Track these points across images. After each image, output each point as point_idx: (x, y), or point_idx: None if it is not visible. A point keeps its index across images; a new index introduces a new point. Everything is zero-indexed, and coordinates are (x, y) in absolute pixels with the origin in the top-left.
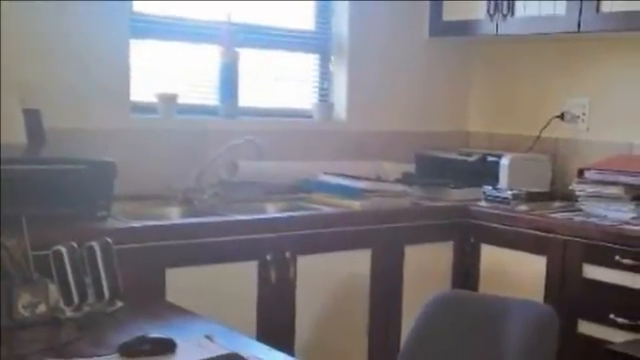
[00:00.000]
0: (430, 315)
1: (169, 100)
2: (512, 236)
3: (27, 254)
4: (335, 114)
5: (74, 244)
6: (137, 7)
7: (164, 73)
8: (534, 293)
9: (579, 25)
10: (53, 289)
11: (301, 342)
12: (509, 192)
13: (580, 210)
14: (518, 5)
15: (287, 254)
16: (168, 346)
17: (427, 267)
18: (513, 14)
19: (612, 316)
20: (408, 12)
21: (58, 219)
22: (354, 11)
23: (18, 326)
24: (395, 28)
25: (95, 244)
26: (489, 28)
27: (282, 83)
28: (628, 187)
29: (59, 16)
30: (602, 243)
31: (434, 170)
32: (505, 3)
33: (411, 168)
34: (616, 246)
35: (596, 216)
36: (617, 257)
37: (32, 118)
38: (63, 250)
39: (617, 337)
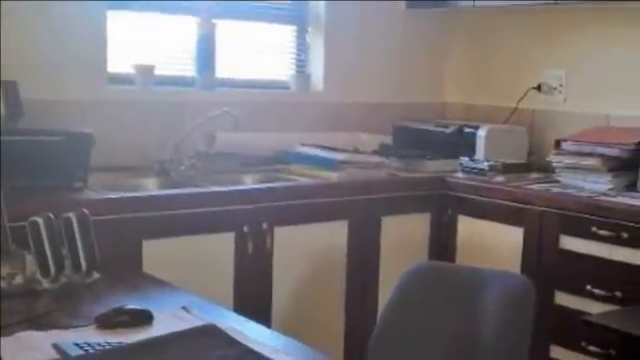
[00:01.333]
0: (407, 286)
1: (146, 71)
2: (489, 207)
3: (4, 225)
4: (312, 85)
5: (51, 215)
6: None
7: (141, 44)
8: (511, 264)
9: None
10: (30, 260)
11: (278, 313)
12: (486, 163)
13: (557, 181)
14: None
15: (264, 225)
16: (145, 317)
17: (404, 238)
18: None
19: (589, 287)
20: None
21: (35, 190)
22: None
23: None
24: None
25: (72, 215)
26: None
27: (259, 55)
28: (605, 158)
29: None
30: (579, 214)
31: (411, 141)
32: None
33: (388, 139)
34: (593, 217)
35: (573, 187)
36: (594, 228)
37: (9, 90)
38: (40, 221)
39: (593, 308)
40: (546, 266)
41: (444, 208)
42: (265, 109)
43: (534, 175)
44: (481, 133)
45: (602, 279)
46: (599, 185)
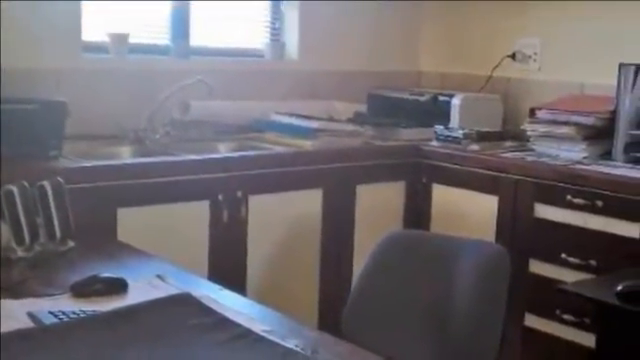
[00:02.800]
0: (381, 255)
1: (120, 40)
2: (464, 176)
3: None
4: (287, 54)
5: (25, 184)
6: None
7: (115, 12)
8: (485, 233)
9: None
10: (4, 229)
11: (252, 281)
12: (460, 132)
13: (532, 150)
14: None
15: (239, 194)
16: (120, 286)
17: (379, 207)
18: None
19: (563, 256)
20: None
21: (9, 158)
22: None
23: None
24: None
25: (46, 183)
26: None
27: (234, 23)
28: (580, 127)
29: None
30: (554, 183)
31: (386, 110)
32: None
33: (363, 108)
34: (568, 186)
35: (548, 156)
36: (569, 197)
37: None
38: (14, 190)
39: (568, 277)
40: (521, 234)
41: (418, 176)
42: (239, 77)
43: (509, 143)
44: (456, 101)
45: (577, 247)
46: (574, 153)
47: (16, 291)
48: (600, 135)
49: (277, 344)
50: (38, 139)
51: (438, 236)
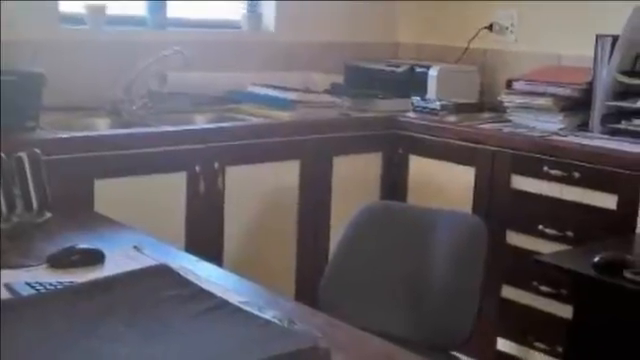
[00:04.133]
0: (358, 226)
1: (98, 11)
2: (440, 147)
3: None
4: (264, 25)
5: (2, 155)
6: None
7: None
8: (462, 204)
9: None
10: None
11: (230, 253)
12: (437, 103)
13: (509, 121)
14: None
15: (216, 165)
16: (97, 257)
17: (355, 178)
18: None
19: (540, 227)
20: None
21: None
22: None
23: None
24: None
25: (23, 155)
26: None
27: None
28: (557, 98)
29: None
30: (530, 154)
31: (363, 81)
32: None
33: (340, 79)
34: (545, 157)
35: (525, 127)
36: (545, 168)
37: None
38: None
39: (545, 248)
40: (498, 206)
41: (395, 148)
42: (217, 49)
43: (486, 115)
44: (433, 73)
45: (554, 219)
46: (551, 125)
47: None
48: (577, 106)
49: (254, 315)
50: (15, 110)
51: (415, 207)
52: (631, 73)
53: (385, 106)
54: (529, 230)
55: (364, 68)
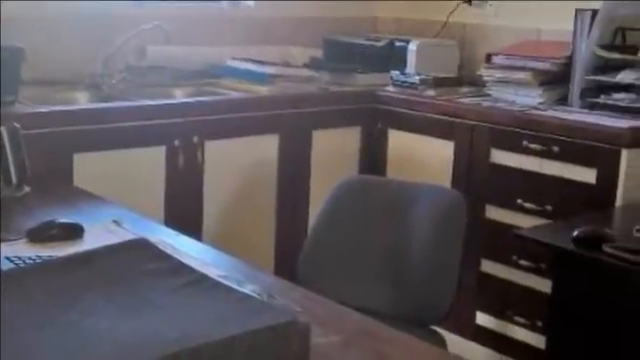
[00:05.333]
0: (337, 200)
1: None
2: (420, 121)
3: None
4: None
5: None
6: None
7: None
8: (442, 178)
9: None
10: None
11: (209, 226)
12: (417, 77)
13: (488, 95)
14: None
15: (195, 139)
16: (76, 231)
17: (334, 152)
18: None
19: (519, 201)
20: None
21: None
22: None
23: None
24: None
25: (2, 129)
26: None
27: None
28: (536, 72)
29: None
30: (510, 128)
31: (342, 55)
32: None
33: (319, 53)
34: (524, 131)
35: (504, 101)
36: (525, 142)
37: None
38: None
39: (524, 222)
40: (477, 180)
41: (374, 122)
42: (196, 23)
43: (465, 89)
44: (412, 47)
45: (533, 193)
46: (530, 99)
47: None
48: (556, 80)
49: (233, 289)
50: None
51: (394, 181)
52: (610, 47)
53: (364, 80)
54: (508, 204)
55: (343, 42)
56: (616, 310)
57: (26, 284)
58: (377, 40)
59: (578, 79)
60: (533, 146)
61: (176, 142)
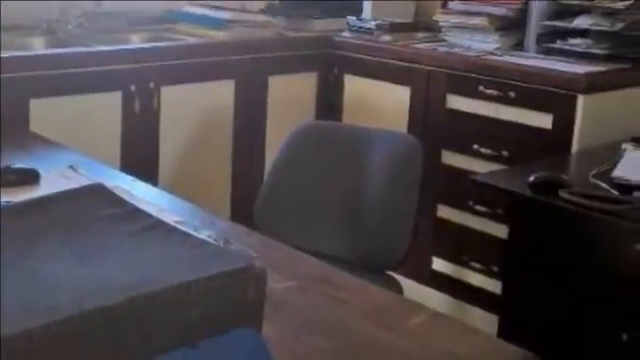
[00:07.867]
0: (294, 145)
1: None
2: (376, 67)
3: None
4: None
5: None
6: None
7: None
8: (398, 124)
9: None
10: None
11: (165, 172)
12: (373, 22)
13: (444, 41)
14: None
15: (151, 84)
16: (32, 177)
17: (291, 98)
18: None
19: (476, 146)
20: None
21: None
22: None
23: None
24: None
25: None
26: None
27: None
28: (492, 17)
29: None
30: (466, 74)
31: (298, 1)
32: None
33: None
34: (480, 77)
35: (460, 47)
36: (481, 87)
37: None
38: None
39: (480, 167)
40: (433, 125)
41: (331, 67)
42: None
43: (421, 34)
44: None
45: (489, 138)
46: (486, 44)
47: None
48: (512, 26)
49: (189, 235)
50: None
51: (350, 127)
52: None
53: (320, 26)
54: (464, 150)
55: None
56: (571, 255)
57: None
58: None
59: (534, 24)
60: (489, 91)
61: (132, 87)
